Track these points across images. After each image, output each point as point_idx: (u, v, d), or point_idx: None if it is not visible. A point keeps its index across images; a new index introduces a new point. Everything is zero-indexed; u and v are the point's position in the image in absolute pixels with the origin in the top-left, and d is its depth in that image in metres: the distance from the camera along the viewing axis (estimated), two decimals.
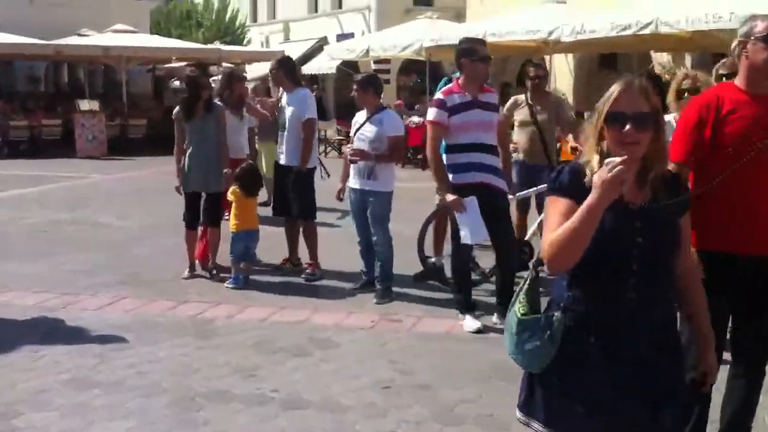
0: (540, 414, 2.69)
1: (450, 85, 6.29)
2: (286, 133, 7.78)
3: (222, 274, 7.74)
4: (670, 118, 6.25)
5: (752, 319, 3.70)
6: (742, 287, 3.63)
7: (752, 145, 3.51)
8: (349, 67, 24.72)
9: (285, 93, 7.96)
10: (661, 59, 17.72)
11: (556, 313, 2.61)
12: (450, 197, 6.05)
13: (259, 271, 8.02)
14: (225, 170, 7.69)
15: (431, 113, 6.17)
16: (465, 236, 6.07)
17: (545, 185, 7.40)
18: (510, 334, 2.71)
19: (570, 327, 2.59)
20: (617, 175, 2.33)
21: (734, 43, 3.73)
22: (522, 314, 2.66)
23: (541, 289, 2.72)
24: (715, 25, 11.12)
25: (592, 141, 2.57)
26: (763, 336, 3.72)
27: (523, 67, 7.44)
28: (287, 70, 7.87)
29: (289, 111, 7.76)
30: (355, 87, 7.25)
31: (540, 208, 7.82)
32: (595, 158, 2.53)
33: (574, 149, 7.53)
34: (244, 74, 8.89)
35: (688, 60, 17.74)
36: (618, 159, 2.36)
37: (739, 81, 3.71)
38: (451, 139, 6.12)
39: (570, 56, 19.62)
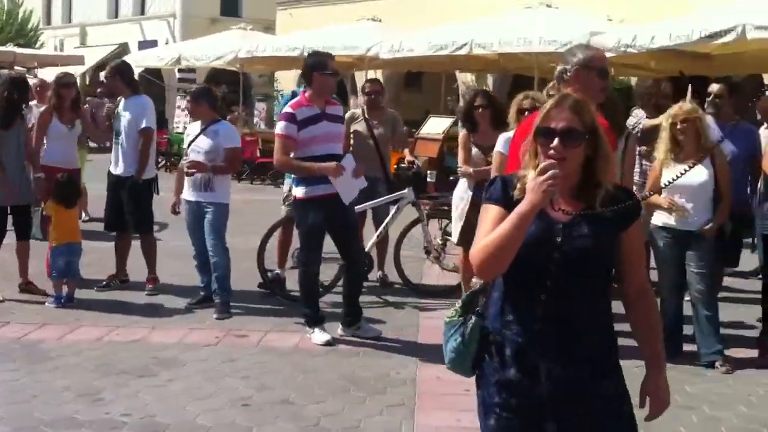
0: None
1: (298, 99, 6.27)
2: (121, 141, 7.43)
3: (41, 294, 7.27)
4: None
5: None
6: None
7: None
8: (151, 74, 24.01)
9: (122, 100, 7.61)
10: (464, 79, 18.56)
11: (472, 316, 2.64)
12: (327, 165, 6.00)
13: (84, 288, 7.56)
14: (37, 175, 7.30)
15: (281, 127, 6.11)
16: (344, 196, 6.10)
17: (382, 198, 7.63)
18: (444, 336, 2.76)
19: (490, 337, 2.61)
20: (548, 182, 2.36)
21: (558, 69, 4.41)
22: (449, 317, 2.71)
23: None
24: (523, 48, 11.81)
25: (529, 156, 2.57)
26: None
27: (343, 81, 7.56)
28: (123, 76, 7.53)
29: (125, 118, 7.43)
30: (187, 99, 7.10)
31: (377, 221, 7.94)
32: (532, 173, 2.51)
33: (411, 162, 7.71)
34: (72, 80, 8.38)
35: (489, 80, 18.73)
36: (547, 162, 2.40)
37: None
38: (301, 152, 6.08)
39: (380, 72, 20.08)
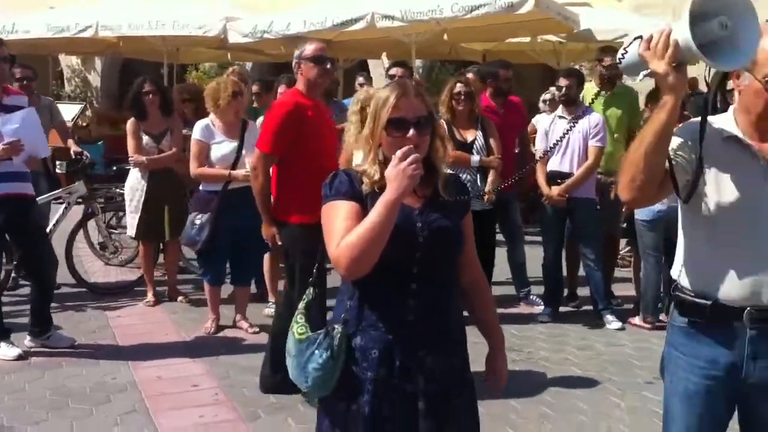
0: None
1: None
2: None
3: None
4: None
5: None
6: None
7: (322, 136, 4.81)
8: None
9: None
10: (69, 62, 17.48)
11: (336, 326, 2.49)
12: None
13: None
14: None
15: None
16: None
17: (45, 195, 6.97)
18: (291, 359, 2.55)
19: (352, 342, 2.48)
20: (412, 167, 2.30)
21: (293, 62, 4.88)
22: (300, 334, 2.54)
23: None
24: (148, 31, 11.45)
25: (369, 148, 2.50)
26: None
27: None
28: None
29: None
30: None
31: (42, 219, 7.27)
32: (375, 166, 2.47)
33: (78, 153, 7.16)
34: None
35: (98, 64, 17.87)
36: (406, 148, 2.34)
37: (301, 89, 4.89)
38: None
39: None
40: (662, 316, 6.38)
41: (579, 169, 6.46)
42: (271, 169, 4.93)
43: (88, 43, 13.31)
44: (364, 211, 2.42)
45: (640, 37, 2.35)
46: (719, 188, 2.45)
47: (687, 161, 2.46)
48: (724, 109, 2.63)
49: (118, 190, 7.60)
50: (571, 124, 5.93)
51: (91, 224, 7.74)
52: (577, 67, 11.99)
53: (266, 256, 6.58)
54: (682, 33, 2.21)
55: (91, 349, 5.86)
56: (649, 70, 2.35)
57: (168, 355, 5.73)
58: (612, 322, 6.40)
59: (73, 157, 7.19)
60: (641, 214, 6.23)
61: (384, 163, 2.44)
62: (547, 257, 6.73)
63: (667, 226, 6.23)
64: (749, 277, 2.43)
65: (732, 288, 2.45)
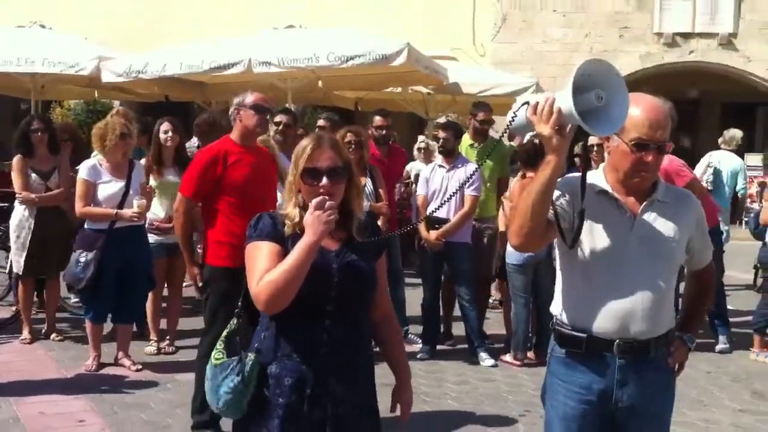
0: None
1: None
2: None
3: None
4: None
5: None
6: None
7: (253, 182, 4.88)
8: None
9: None
10: None
11: (250, 354, 2.65)
12: None
13: None
14: None
15: None
16: None
17: None
18: (207, 382, 2.72)
19: (267, 369, 2.64)
20: (330, 212, 2.53)
21: (232, 109, 5.04)
22: (217, 359, 2.70)
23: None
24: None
25: (291, 194, 2.71)
26: None
27: None
28: None
29: None
30: None
31: None
32: (295, 210, 2.67)
33: None
34: None
35: None
36: (321, 197, 2.56)
37: (234, 137, 5.02)
38: None
39: None
40: (530, 354, 6.82)
41: (455, 215, 6.85)
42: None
43: None
44: (284, 252, 2.63)
45: (527, 103, 2.69)
46: (593, 236, 2.81)
47: (566, 212, 2.80)
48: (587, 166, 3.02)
49: None
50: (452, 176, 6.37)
51: None
52: (445, 117, 12.66)
53: (149, 295, 6.59)
54: (565, 102, 2.55)
55: None
56: (534, 132, 2.70)
57: (50, 391, 5.68)
58: (485, 359, 6.76)
59: None
60: (511, 258, 6.67)
61: (303, 208, 2.65)
62: (425, 297, 7.04)
63: (535, 269, 6.71)
64: (618, 313, 2.79)
65: (604, 322, 2.80)
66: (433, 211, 6.50)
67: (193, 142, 8.06)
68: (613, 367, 2.82)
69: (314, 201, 2.56)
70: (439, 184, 7.00)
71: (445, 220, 6.86)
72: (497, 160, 7.61)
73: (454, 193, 3.98)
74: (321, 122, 7.57)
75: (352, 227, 2.75)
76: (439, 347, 7.11)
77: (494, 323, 7.78)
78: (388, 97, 13.23)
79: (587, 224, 2.78)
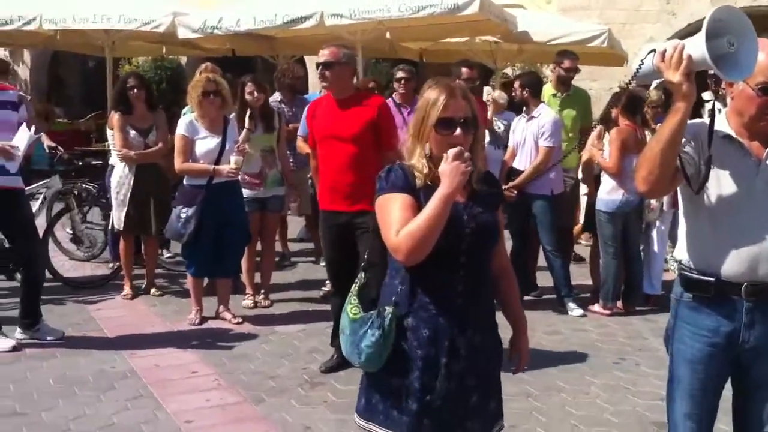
0: (379, 416, 2.75)
1: None
2: None
3: None
4: None
5: None
6: None
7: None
8: None
9: None
10: None
11: (387, 308, 2.69)
12: None
13: None
14: None
15: None
16: None
17: None
18: (345, 337, 2.76)
19: (403, 322, 2.68)
20: (468, 162, 2.56)
21: None
22: (354, 314, 2.74)
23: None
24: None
25: (417, 145, 2.72)
26: None
27: None
28: None
29: None
30: None
31: None
32: (422, 161, 2.69)
33: (53, 149, 7.20)
34: None
35: None
36: (458, 148, 2.59)
37: None
38: None
39: None
40: (619, 303, 6.89)
41: (529, 166, 6.89)
42: None
43: (22, 35, 13.05)
44: (418, 204, 2.68)
45: (654, 50, 2.73)
46: (718, 181, 2.85)
47: (692, 158, 2.85)
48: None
49: (88, 185, 7.64)
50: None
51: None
52: (511, 68, 12.56)
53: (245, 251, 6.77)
54: (698, 48, 2.59)
55: (81, 340, 5.98)
56: (661, 79, 2.74)
57: (159, 345, 5.90)
58: (574, 309, 6.85)
59: (47, 151, 7.22)
60: (603, 205, 6.70)
61: (430, 159, 2.71)
62: (512, 249, 7.09)
63: (624, 219, 6.74)
64: (746, 256, 2.83)
65: (732, 266, 2.85)
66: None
67: (276, 96, 8.18)
68: (740, 310, 2.87)
69: (452, 151, 2.57)
70: (520, 136, 7.04)
71: (521, 172, 6.91)
72: (580, 108, 7.59)
73: None
74: (401, 74, 7.59)
75: (474, 179, 2.78)
76: (526, 298, 7.19)
77: (579, 274, 7.83)
78: (453, 48, 13.13)
79: (713, 170, 2.81)
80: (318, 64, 5.17)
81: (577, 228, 8.10)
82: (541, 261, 7.38)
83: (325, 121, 5.25)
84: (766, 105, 2.78)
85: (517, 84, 7.18)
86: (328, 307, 5.96)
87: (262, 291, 7.03)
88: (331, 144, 5.21)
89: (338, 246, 5.23)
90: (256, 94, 6.83)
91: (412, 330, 2.71)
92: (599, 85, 13.75)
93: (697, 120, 2.95)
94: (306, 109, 5.95)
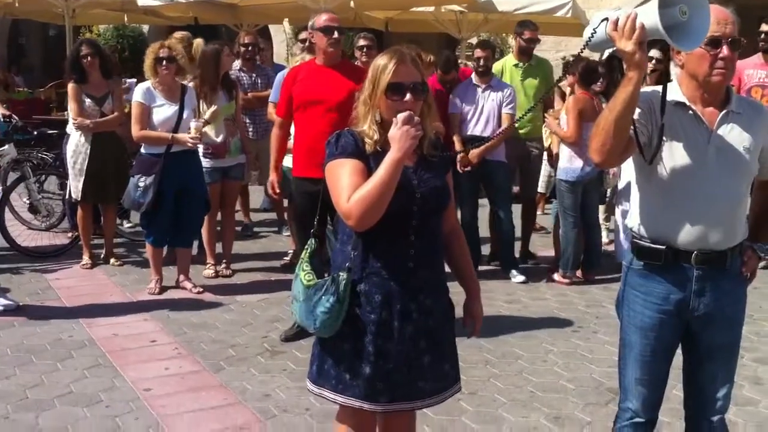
0: (331, 381, 2.80)
1: None
2: None
3: None
4: None
5: None
6: None
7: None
8: None
9: None
10: None
11: (341, 273, 2.71)
12: None
13: None
14: None
15: None
16: None
17: None
18: (299, 303, 2.80)
19: (356, 287, 2.71)
20: (417, 126, 2.57)
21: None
22: (308, 281, 2.78)
23: None
24: None
25: (366, 110, 2.74)
26: None
27: None
28: None
29: None
30: None
31: None
32: (373, 127, 2.71)
33: (6, 116, 7.07)
34: None
35: None
36: (407, 112, 2.58)
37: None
38: None
39: None
40: (578, 272, 6.95)
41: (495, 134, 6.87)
42: None
43: None
44: (367, 170, 2.68)
45: (606, 19, 2.72)
46: (671, 149, 2.86)
47: (644, 126, 2.86)
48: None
49: (44, 154, 7.53)
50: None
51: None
52: (477, 37, 12.51)
53: (205, 219, 6.72)
54: (650, 17, 2.58)
55: (39, 309, 5.93)
56: (614, 48, 2.74)
57: (118, 314, 5.87)
58: (516, 276, 6.95)
59: (1, 120, 7.09)
60: (564, 174, 6.74)
61: (381, 125, 2.71)
62: (463, 218, 7.02)
63: (584, 188, 6.78)
64: (697, 225, 2.86)
65: (683, 234, 2.87)
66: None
67: (236, 65, 8.08)
68: (690, 278, 2.90)
69: (401, 116, 2.58)
70: (474, 103, 7.02)
71: (483, 138, 6.89)
72: (542, 78, 7.60)
73: None
74: (363, 42, 7.53)
75: (425, 145, 2.79)
76: (486, 268, 7.24)
77: (542, 244, 7.87)
78: (419, 17, 13.09)
79: (665, 139, 2.83)
80: (332, 28, 5.12)
81: (538, 197, 8.14)
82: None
83: (309, 85, 5.21)
84: (716, 57, 2.78)
85: (485, 53, 7.08)
86: (290, 276, 5.89)
87: (224, 260, 6.99)
88: (313, 109, 5.17)
89: (309, 210, 5.20)
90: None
91: (365, 295, 2.74)
92: (564, 54, 13.78)
93: (649, 88, 2.95)
94: (281, 75, 5.94)
